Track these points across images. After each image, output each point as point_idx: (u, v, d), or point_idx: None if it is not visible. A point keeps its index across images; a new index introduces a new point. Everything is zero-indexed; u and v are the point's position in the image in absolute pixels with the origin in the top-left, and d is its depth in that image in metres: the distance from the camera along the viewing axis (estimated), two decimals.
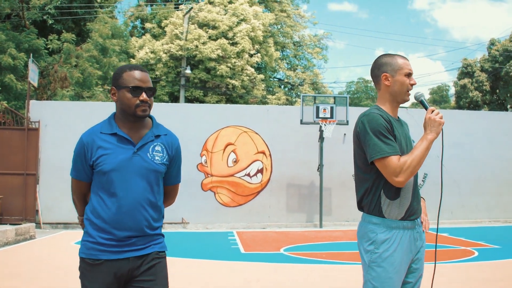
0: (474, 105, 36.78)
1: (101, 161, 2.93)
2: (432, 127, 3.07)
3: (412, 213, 3.13)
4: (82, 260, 2.96)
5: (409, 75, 3.21)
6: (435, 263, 3.23)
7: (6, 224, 13.17)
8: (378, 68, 3.28)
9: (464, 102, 37.35)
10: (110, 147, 2.95)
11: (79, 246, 3.02)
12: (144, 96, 2.95)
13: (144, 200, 2.98)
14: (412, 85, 3.22)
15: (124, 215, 2.91)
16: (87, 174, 3.01)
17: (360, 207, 3.22)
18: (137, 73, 2.98)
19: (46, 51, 20.24)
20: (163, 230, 3.17)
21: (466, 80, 37.67)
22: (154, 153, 3.05)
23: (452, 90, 45.84)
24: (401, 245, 3.07)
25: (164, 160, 3.08)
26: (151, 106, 3.03)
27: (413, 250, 3.14)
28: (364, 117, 3.14)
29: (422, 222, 3.26)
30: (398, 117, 3.33)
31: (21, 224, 13.03)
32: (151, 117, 3.15)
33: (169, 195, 3.28)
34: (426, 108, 3.24)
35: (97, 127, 3.04)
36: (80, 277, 2.98)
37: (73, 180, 3.09)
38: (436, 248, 3.23)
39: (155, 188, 3.04)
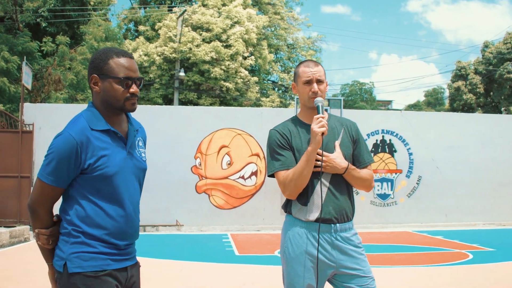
0: (468, 108, 36.90)
1: (102, 164, 2.54)
2: (312, 138, 3.08)
3: (326, 219, 3.16)
4: (78, 276, 2.50)
5: (308, 82, 3.24)
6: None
7: (1, 226, 13.11)
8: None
9: (458, 104, 37.47)
10: (107, 146, 2.58)
11: None
12: (134, 88, 2.60)
13: (138, 204, 2.72)
14: (313, 92, 3.22)
15: (128, 223, 2.63)
16: (69, 180, 2.55)
17: (284, 209, 3.36)
18: (126, 61, 2.60)
19: (40, 53, 20.18)
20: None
21: (460, 83, 37.81)
22: (140, 149, 2.77)
23: (447, 93, 45.97)
24: (308, 244, 3.15)
25: (145, 156, 2.82)
26: (138, 98, 2.67)
27: (334, 255, 3.15)
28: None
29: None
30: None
31: (15, 226, 12.99)
32: None
33: None
34: None
35: (83, 122, 2.57)
36: None
37: (47, 187, 2.53)
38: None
39: (141, 190, 2.79)
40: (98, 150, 2.54)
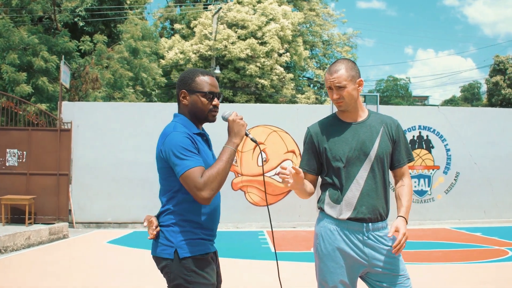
0: (506, 103, 36.26)
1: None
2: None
3: (359, 218, 3.17)
4: (190, 259, 2.92)
5: (329, 88, 3.35)
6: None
7: (40, 223, 13.36)
8: None
9: (497, 99, 36.87)
10: (202, 148, 3.13)
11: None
12: (216, 101, 3.10)
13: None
14: (334, 99, 3.32)
15: (217, 212, 3.24)
16: None
17: (317, 205, 3.44)
18: (210, 79, 3.08)
19: (78, 53, 20.44)
20: None
21: (498, 77, 37.20)
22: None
23: (483, 88, 45.26)
24: (340, 241, 3.18)
25: None
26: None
27: (367, 253, 3.16)
28: None
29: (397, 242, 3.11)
30: (365, 120, 3.37)
31: (54, 223, 13.22)
32: None
33: None
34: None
35: (182, 127, 3.01)
36: (190, 279, 2.90)
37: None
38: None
39: None
40: (200, 149, 3.04)
